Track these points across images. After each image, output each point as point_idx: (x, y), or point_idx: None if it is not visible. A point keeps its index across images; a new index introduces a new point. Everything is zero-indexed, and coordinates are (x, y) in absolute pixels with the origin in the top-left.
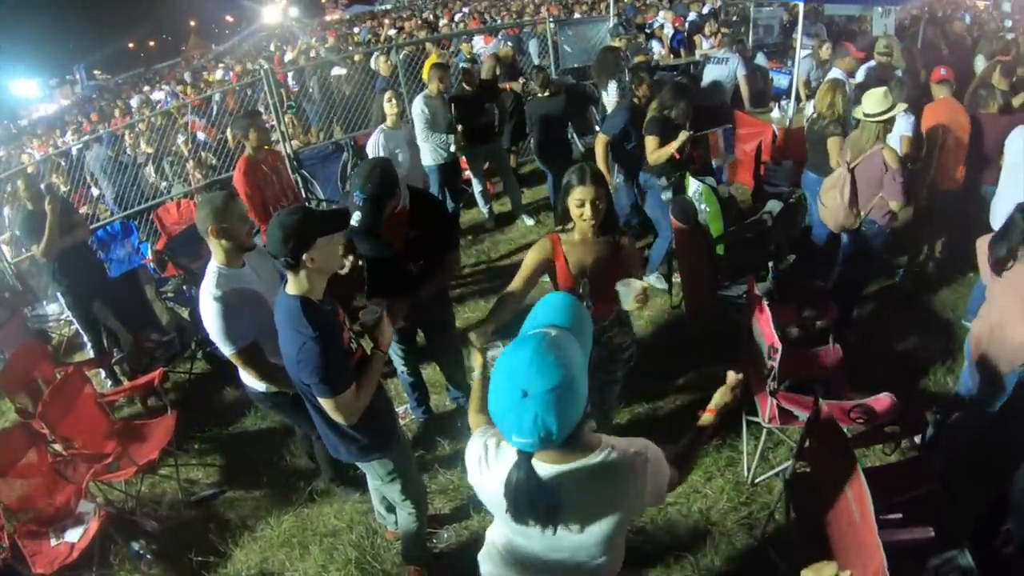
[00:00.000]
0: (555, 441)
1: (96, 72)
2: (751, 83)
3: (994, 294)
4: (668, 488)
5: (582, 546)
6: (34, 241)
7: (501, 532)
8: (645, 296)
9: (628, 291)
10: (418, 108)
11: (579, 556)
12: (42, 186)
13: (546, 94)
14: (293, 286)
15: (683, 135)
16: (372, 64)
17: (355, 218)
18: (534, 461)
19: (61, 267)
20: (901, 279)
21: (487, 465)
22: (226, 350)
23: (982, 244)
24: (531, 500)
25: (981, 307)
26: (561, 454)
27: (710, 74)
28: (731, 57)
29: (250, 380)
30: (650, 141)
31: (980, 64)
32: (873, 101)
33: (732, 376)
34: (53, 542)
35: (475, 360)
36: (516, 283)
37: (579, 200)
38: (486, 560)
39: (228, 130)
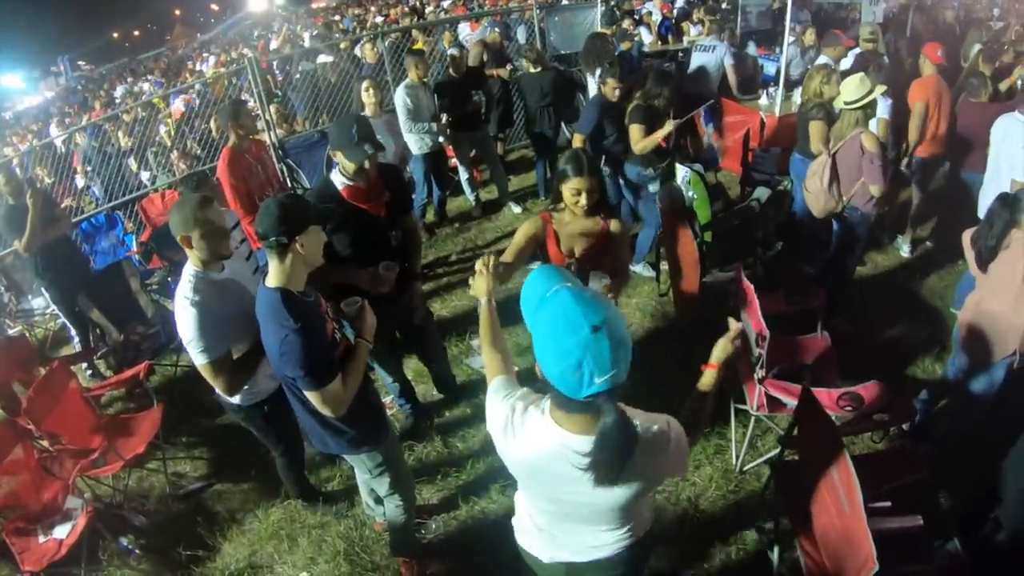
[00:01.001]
0: (626, 371)
1: (81, 63)
2: (740, 71)
3: (981, 283)
4: None
5: (601, 513)
6: (16, 236)
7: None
8: (608, 293)
9: (595, 285)
10: (400, 98)
11: (599, 524)
12: (24, 182)
13: (538, 69)
14: (274, 277)
15: (668, 124)
16: (357, 52)
17: (369, 149)
18: (563, 432)
19: (44, 261)
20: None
21: (513, 432)
22: (197, 359)
23: (967, 237)
24: (624, 448)
25: (968, 295)
26: (588, 423)
27: (696, 62)
28: (718, 45)
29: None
30: (635, 131)
31: (974, 52)
32: (850, 89)
33: (734, 325)
34: (41, 539)
35: (478, 287)
36: (507, 255)
37: (575, 190)
38: (522, 534)
39: (212, 120)
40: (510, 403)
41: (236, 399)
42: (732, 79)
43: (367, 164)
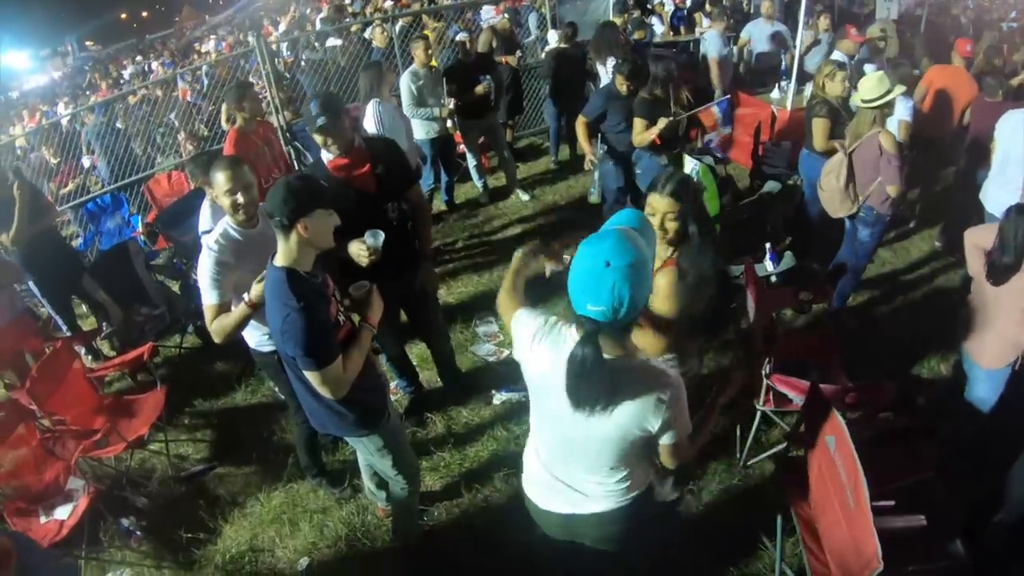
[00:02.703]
0: (621, 317)
1: (88, 43)
2: (765, 59)
3: (982, 288)
4: (680, 452)
5: (595, 451)
6: (3, 230)
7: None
8: None
9: None
10: (404, 83)
11: (594, 463)
12: (9, 172)
13: (568, 45)
14: (281, 256)
15: (662, 122)
16: (367, 35)
17: (320, 120)
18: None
19: (30, 256)
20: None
21: (540, 339)
22: (204, 299)
23: (970, 236)
24: (591, 377)
25: (969, 297)
26: (609, 345)
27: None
28: (707, 37)
29: (247, 335)
30: (637, 124)
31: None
32: (868, 87)
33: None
34: (42, 520)
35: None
36: None
37: (650, 208)
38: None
39: (223, 108)
40: (543, 317)
41: (251, 343)
42: (714, 72)
43: (326, 137)
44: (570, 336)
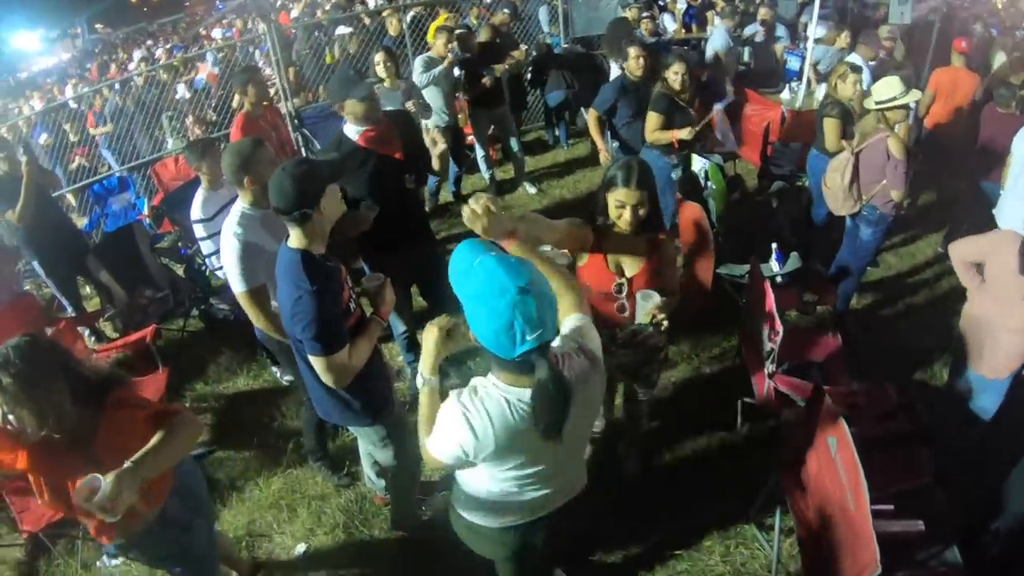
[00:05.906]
0: (554, 328)
1: (98, 26)
2: (762, 60)
3: (981, 299)
4: None
5: (573, 448)
6: (9, 206)
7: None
8: (660, 312)
9: (645, 304)
10: (419, 62)
11: (575, 460)
12: (19, 148)
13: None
14: (296, 239)
15: (686, 132)
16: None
17: (364, 89)
18: (510, 388)
19: (34, 234)
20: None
21: (477, 414)
22: (236, 288)
23: (955, 249)
24: (565, 399)
25: (964, 308)
26: (527, 380)
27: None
28: (714, 30)
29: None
30: (652, 118)
31: (999, 61)
32: (882, 89)
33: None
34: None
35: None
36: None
37: (620, 202)
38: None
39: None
40: (456, 400)
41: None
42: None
43: (369, 103)
44: (494, 389)
